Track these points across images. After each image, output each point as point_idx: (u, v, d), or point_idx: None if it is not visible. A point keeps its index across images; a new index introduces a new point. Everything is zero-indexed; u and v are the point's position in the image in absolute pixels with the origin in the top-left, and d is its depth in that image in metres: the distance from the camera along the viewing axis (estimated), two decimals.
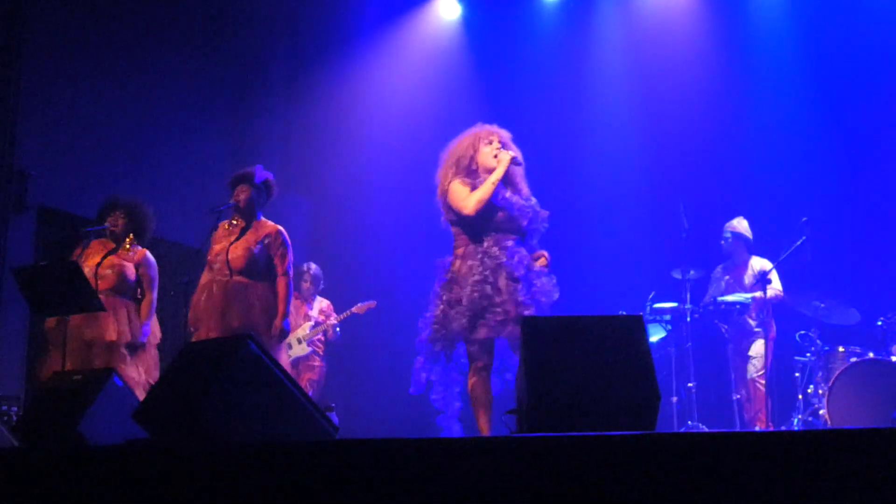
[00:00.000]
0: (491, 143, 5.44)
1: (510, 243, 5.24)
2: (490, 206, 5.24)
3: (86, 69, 8.46)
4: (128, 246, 6.54)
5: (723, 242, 8.05)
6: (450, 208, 5.34)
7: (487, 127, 5.56)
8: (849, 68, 8.74)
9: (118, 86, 8.72)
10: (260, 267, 6.16)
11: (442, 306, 5.22)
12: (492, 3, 10.35)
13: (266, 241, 6.17)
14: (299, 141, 10.80)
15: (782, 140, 8.92)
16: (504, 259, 5.17)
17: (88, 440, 4.48)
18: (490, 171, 5.34)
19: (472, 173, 5.39)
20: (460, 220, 5.30)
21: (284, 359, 6.45)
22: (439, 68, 10.41)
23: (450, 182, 5.36)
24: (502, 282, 5.12)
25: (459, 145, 5.51)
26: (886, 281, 7.91)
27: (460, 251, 5.29)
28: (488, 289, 5.09)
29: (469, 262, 5.19)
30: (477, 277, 5.12)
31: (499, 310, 5.07)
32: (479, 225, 5.25)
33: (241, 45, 10.10)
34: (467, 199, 5.23)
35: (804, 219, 7.36)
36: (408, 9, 10.53)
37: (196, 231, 6.74)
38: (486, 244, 5.21)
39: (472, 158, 5.42)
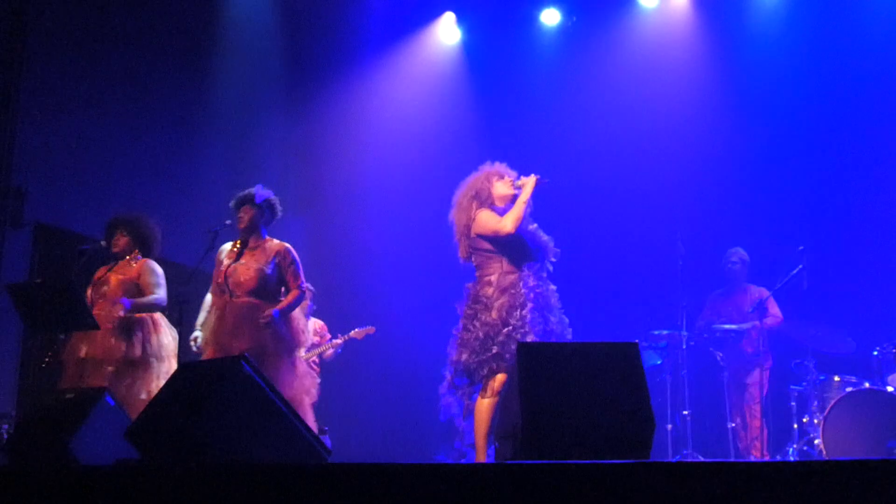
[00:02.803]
0: (503, 177, 5.69)
1: (544, 274, 5.51)
2: (521, 237, 5.48)
3: (84, 86, 8.47)
4: (132, 256, 6.51)
5: (732, 266, 8.06)
6: (481, 237, 5.50)
7: (497, 165, 5.78)
8: (846, 98, 8.77)
9: (116, 103, 8.73)
10: (270, 287, 6.08)
11: (479, 331, 5.30)
12: (491, 28, 10.41)
13: (277, 260, 6.11)
14: (298, 161, 10.80)
15: (780, 169, 8.94)
16: (544, 289, 5.42)
17: (79, 459, 4.45)
18: (506, 199, 5.62)
19: (491, 206, 5.62)
20: (495, 243, 5.46)
21: (288, 377, 6.18)
22: (439, 91, 10.46)
23: (476, 213, 5.55)
24: (538, 311, 5.33)
25: (476, 181, 5.72)
26: (883, 310, 7.89)
27: (492, 278, 5.41)
28: (530, 316, 5.26)
29: (511, 291, 5.33)
30: (519, 305, 5.29)
31: (534, 337, 5.23)
32: (514, 254, 5.45)
33: (240, 64, 10.11)
34: (503, 220, 5.46)
35: (801, 247, 7.37)
36: (408, 32, 10.59)
37: (193, 250, 6.71)
38: (524, 273, 5.41)
39: (490, 192, 5.64)
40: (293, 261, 6.16)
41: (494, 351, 5.20)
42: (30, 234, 7.93)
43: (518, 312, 5.25)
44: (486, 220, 5.50)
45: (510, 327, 5.22)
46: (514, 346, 5.12)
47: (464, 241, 5.59)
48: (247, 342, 5.87)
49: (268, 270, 6.05)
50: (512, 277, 5.37)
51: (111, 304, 6.27)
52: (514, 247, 5.46)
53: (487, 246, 5.48)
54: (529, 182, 5.55)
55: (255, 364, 3.88)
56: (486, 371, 5.25)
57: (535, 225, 5.64)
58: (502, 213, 5.55)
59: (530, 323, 5.25)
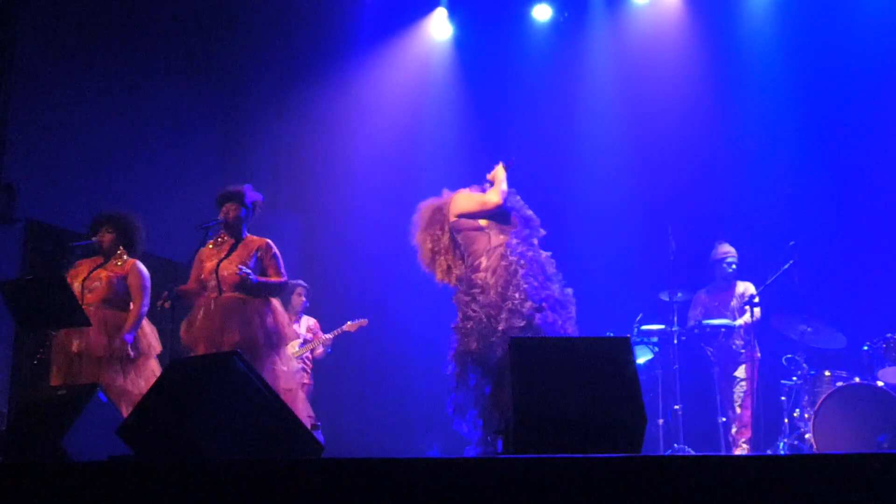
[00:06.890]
0: (463, 190, 5.70)
1: (534, 242, 5.47)
2: (505, 209, 5.49)
3: (75, 83, 8.45)
4: (119, 254, 6.50)
5: (728, 266, 8.09)
6: (464, 215, 5.50)
7: (445, 192, 5.78)
8: (838, 95, 8.78)
9: (107, 100, 8.72)
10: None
11: (480, 314, 5.23)
12: (483, 24, 10.40)
13: (258, 255, 6.22)
14: (289, 158, 10.80)
15: (770, 164, 8.96)
16: (535, 254, 5.38)
17: (72, 455, 4.44)
18: (482, 201, 5.57)
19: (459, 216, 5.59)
20: (480, 216, 5.45)
21: (281, 368, 6.28)
22: (430, 88, 10.45)
23: (448, 207, 5.57)
24: (533, 277, 5.28)
25: (429, 210, 5.74)
26: (873, 306, 7.92)
27: (482, 260, 5.38)
28: (525, 284, 5.22)
29: (503, 264, 5.30)
30: (512, 274, 5.24)
31: (533, 304, 5.18)
32: (499, 227, 5.46)
33: (231, 60, 10.09)
34: (487, 195, 5.51)
35: (791, 242, 7.40)
36: (399, 28, 10.57)
37: (184, 247, 6.73)
38: (511, 241, 5.38)
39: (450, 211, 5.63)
40: (274, 255, 6.31)
41: (501, 329, 5.12)
42: (21, 231, 7.91)
43: (513, 282, 5.20)
44: (468, 198, 5.53)
45: (510, 302, 5.16)
46: (517, 321, 5.10)
47: (439, 259, 5.61)
48: (237, 336, 5.94)
49: (250, 265, 6.13)
50: (500, 250, 5.35)
51: (98, 299, 6.30)
52: (498, 219, 5.46)
53: (471, 224, 5.47)
54: (499, 170, 5.59)
55: (247, 359, 3.89)
56: (499, 353, 5.12)
57: (519, 197, 5.63)
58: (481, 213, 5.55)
59: (527, 291, 5.18)
